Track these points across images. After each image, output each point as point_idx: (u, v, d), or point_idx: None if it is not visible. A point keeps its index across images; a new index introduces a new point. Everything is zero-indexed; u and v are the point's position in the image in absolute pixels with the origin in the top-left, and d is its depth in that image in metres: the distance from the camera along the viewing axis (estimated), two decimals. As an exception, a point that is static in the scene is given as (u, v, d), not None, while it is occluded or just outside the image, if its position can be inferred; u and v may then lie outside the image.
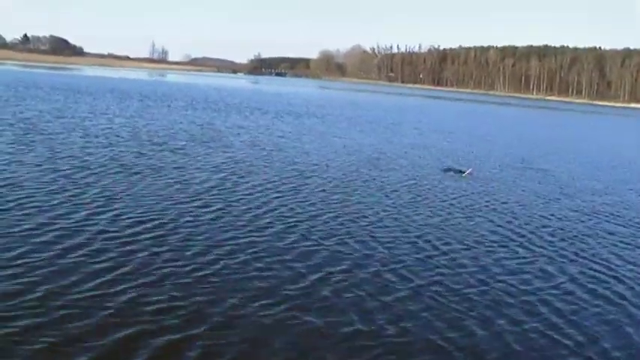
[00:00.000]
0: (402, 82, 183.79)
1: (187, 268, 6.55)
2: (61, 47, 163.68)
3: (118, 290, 5.79)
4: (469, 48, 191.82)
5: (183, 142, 16.61)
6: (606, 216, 11.76)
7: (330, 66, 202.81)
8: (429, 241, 8.57)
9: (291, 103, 42.03)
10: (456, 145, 22.88)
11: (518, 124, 44.71)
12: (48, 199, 8.85)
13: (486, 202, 12.03)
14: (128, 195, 9.67)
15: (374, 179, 13.45)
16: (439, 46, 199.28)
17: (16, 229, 7.31)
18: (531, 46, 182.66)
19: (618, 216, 11.88)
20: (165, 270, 6.44)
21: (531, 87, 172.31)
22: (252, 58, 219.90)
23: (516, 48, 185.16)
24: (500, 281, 7.15)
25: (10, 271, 6.00)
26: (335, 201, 10.75)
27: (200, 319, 5.38)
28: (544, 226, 10.28)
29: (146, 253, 6.93)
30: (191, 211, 8.96)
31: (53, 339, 4.77)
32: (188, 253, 7.07)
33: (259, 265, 6.90)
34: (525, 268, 7.74)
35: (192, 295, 5.83)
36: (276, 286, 6.28)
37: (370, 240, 8.37)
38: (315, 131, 23.67)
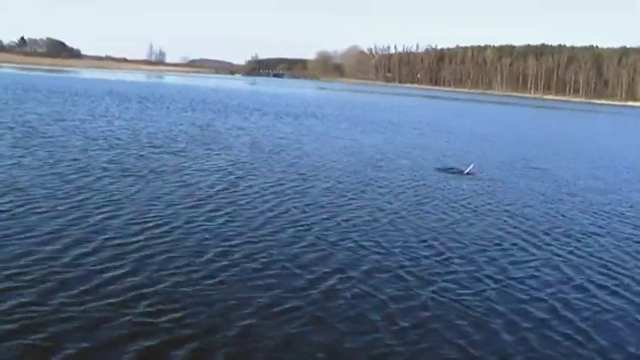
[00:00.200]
0: (400, 82, 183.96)
1: (198, 275, 6.34)
2: (58, 49, 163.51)
3: (120, 291, 5.61)
4: (466, 47, 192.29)
5: (184, 144, 16.42)
6: (617, 216, 11.59)
7: (328, 67, 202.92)
8: (443, 243, 8.40)
9: (289, 104, 41.91)
10: (456, 145, 22.76)
11: (517, 124, 44.65)
12: (52, 204, 8.67)
13: (494, 202, 11.86)
14: (128, 198, 9.48)
15: (378, 180, 13.29)
16: (436, 45, 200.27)
17: (16, 229, 7.16)
18: (528, 45, 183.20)
19: (631, 216, 11.70)
20: (173, 273, 6.25)
21: (529, 86, 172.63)
22: (250, 59, 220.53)
23: (513, 47, 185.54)
24: (519, 282, 6.98)
25: (6, 272, 5.91)
26: (342, 203, 10.57)
27: (215, 328, 5.18)
28: (556, 227, 10.11)
29: (144, 253, 6.81)
30: (195, 215, 8.75)
31: (83, 345, 4.59)
32: (197, 258, 6.85)
33: (270, 268, 6.71)
34: (543, 269, 7.57)
35: (205, 304, 5.63)
36: (292, 292, 6.09)
37: (384, 242, 8.19)
38: (315, 132, 23.53)
